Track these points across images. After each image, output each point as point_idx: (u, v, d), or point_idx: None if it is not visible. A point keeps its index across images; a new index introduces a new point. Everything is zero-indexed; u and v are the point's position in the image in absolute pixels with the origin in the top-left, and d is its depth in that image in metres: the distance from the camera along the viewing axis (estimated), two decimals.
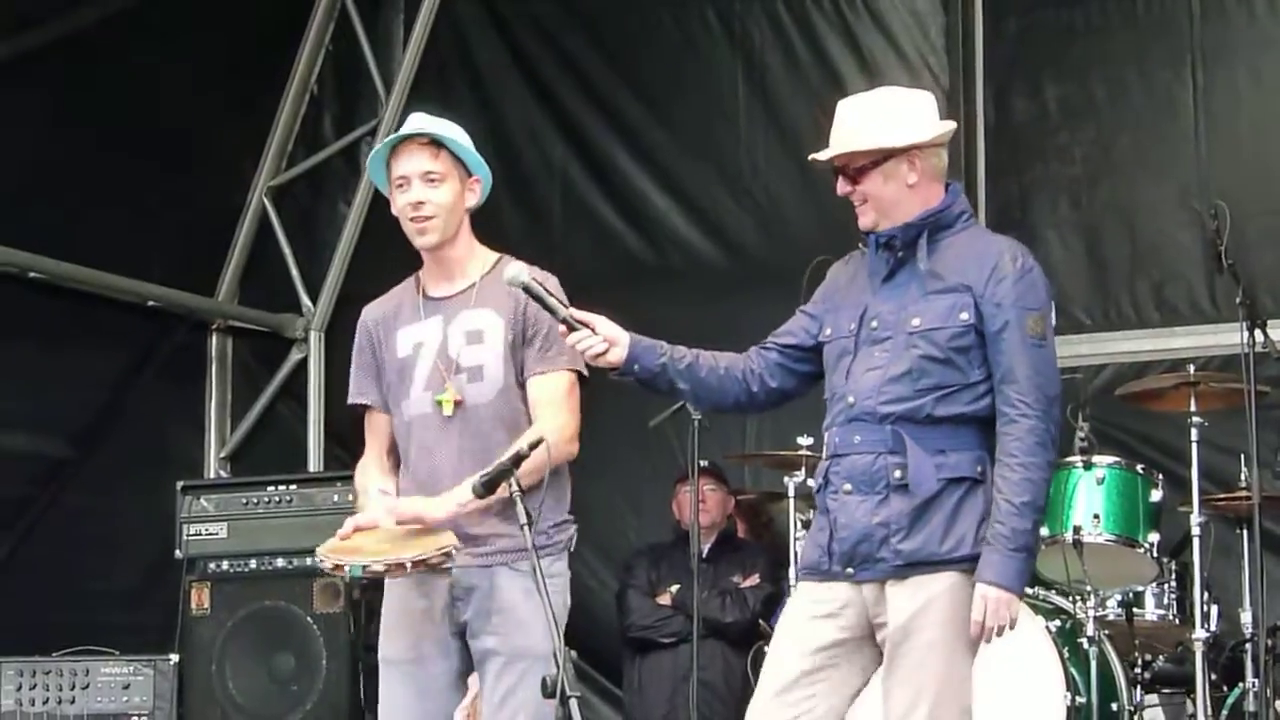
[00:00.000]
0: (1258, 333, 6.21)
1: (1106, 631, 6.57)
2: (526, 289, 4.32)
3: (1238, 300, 6.19)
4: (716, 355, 4.50)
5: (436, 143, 4.50)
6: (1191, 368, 6.74)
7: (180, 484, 7.41)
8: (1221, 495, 6.69)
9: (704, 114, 8.77)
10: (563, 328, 4.33)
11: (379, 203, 8.49)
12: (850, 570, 4.32)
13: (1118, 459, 6.81)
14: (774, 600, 7.34)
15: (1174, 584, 6.81)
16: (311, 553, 4.42)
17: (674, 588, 7.59)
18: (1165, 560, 6.74)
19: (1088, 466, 6.68)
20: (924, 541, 4.24)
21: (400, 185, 4.52)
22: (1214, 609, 6.51)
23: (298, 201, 9.40)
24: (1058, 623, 6.47)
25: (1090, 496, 6.67)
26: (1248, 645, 6.40)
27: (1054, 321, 4.40)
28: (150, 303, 8.66)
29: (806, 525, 6.21)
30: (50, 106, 7.89)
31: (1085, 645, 6.44)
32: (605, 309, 4.40)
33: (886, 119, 4.34)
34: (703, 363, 4.47)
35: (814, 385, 4.53)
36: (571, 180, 8.97)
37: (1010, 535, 4.20)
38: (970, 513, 4.25)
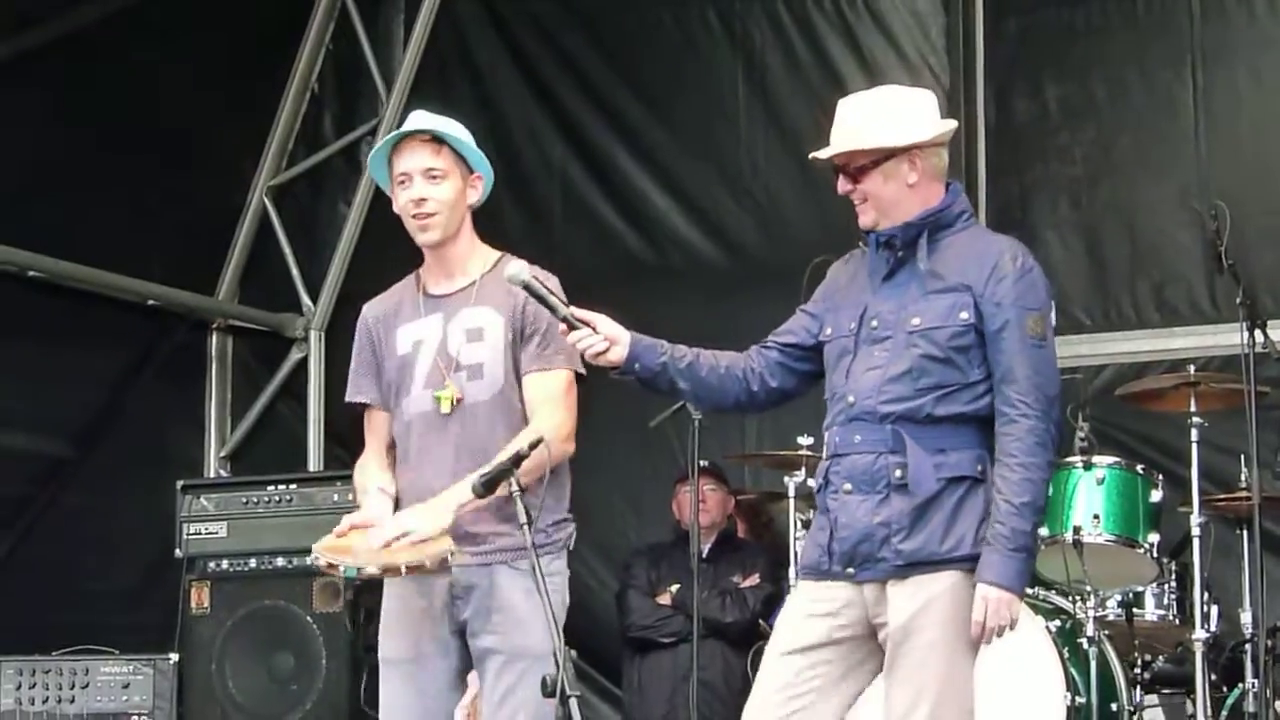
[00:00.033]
0: (1258, 333, 6.20)
1: (1106, 632, 6.57)
2: (527, 287, 4.31)
3: (1238, 300, 6.19)
4: (717, 354, 4.50)
5: (438, 139, 4.50)
6: (1191, 368, 6.75)
7: (180, 483, 7.41)
8: (1221, 496, 6.69)
9: (704, 114, 8.77)
10: (563, 326, 4.32)
11: (379, 202, 8.51)
12: (851, 570, 4.32)
13: (1118, 459, 6.81)
14: (774, 600, 7.33)
15: (1174, 584, 6.80)
16: (311, 552, 4.41)
17: (674, 587, 7.59)
18: (1165, 560, 6.74)
19: (1088, 467, 6.68)
20: (925, 541, 4.24)
21: (402, 182, 4.51)
22: (1214, 609, 6.50)
23: (298, 201, 9.40)
24: (1058, 623, 6.46)
25: (1090, 497, 6.67)
26: (1248, 646, 6.39)
27: (1054, 322, 4.39)
28: (150, 302, 8.66)
29: (807, 525, 6.21)
30: (51, 105, 7.89)
31: (1085, 645, 6.44)
32: (605, 308, 4.39)
33: (887, 118, 4.34)
34: (703, 362, 4.47)
35: (814, 384, 4.53)
36: (571, 180, 8.97)
37: (1010, 535, 4.20)
38: (971, 512, 4.25)
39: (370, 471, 4.56)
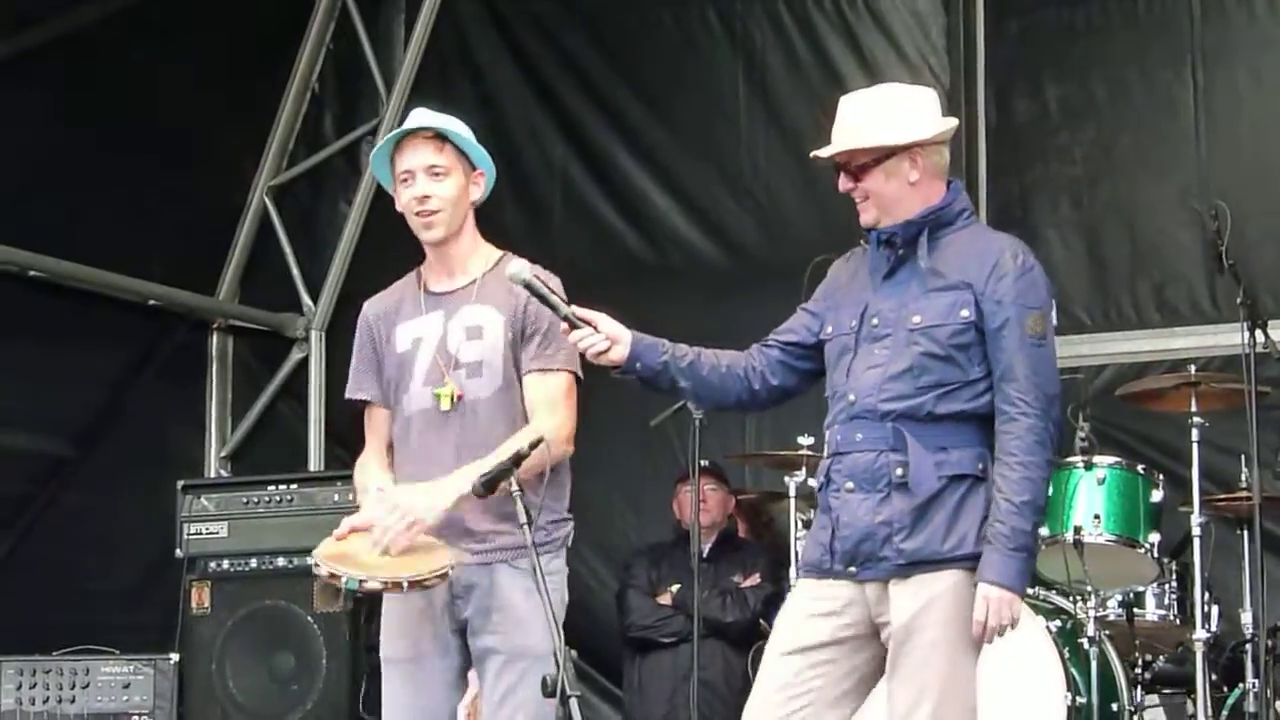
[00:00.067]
0: (1258, 333, 6.20)
1: (1107, 632, 6.56)
2: (528, 285, 4.31)
3: (1238, 300, 6.18)
4: (718, 353, 4.49)
5: (440, 137, 4.50)
6: (1192, 368, 6.75)
7: (180, 483, 7.41)
8: (1222, 495, 6.69)
9: (704, 113, 8.77)
10: (564, 325, 4.32)
11: (380, 202, 8.53)
12: (853, 569, 4.31)
13: (1118, 459, 6.81)
14: (774, 600, 7.31)
15: (1174, 584, 6.80)
16: (311, 553, 4.40)
17: (674, 587, 7.59)
18: (1166, 560, 6.74)
19: (1088, 467, 6.68)
20: (926, 540, 4.24)
21: (405, 180, 4.51)
22: (1214, 609, 6.50)
23: (298, 201, 9.40)
24: (1058, 623, 6.46)
25: (1091, 497, 6.67)
26: (1248, 645, 6.39)
27: (1054, 321, 4.39)
28: (151, 302, 8.66)
29: (807, 525, 6.22)
30: (51, 105, 7.89)
31: (1086, 645, 6.44)
32: (605, 308, 4.39)
33: (888, 116, 4.33)
34: (704, 361, 4.46)
35: (815, 383, 4.53)
36: (572, 179, 8.97)
37: (1010, 534, 4.19)
38: (972, 511, 4.25)
39: (370, 471, 4.56)
